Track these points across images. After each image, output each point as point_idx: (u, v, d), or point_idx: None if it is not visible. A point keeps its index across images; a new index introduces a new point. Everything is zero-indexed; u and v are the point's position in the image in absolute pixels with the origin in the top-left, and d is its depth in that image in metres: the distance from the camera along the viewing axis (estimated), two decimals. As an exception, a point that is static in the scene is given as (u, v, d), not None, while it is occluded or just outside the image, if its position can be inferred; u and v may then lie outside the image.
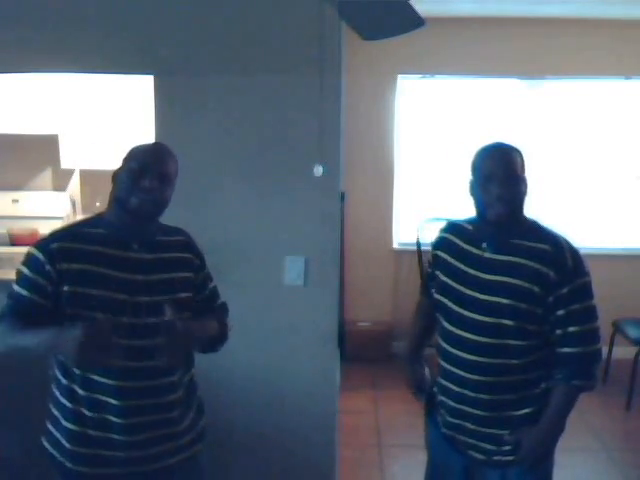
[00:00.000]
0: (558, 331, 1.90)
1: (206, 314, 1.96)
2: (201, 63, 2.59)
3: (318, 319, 2.72)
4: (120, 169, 1.82)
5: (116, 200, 1.81)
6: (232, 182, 2.66)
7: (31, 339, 1.71)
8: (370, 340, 5.01)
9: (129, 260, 1.80)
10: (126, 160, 1.82)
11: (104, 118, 3.77)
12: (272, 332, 2.73)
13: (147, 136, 2.56)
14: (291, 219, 2.67)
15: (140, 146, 1.84)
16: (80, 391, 1.78)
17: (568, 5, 4.36)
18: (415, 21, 1.95)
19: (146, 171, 1.76)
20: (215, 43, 2.58)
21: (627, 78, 4.94)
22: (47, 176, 4.22)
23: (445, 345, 2.03)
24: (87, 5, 2.55)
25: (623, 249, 5.13)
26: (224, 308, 2.07)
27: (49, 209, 4.01)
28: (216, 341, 1.98)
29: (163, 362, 1.71)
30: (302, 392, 2.78)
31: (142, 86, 2.80)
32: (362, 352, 4.87)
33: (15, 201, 4.06)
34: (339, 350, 2.86)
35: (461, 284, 1.99)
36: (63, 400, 1.82)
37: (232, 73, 2.59)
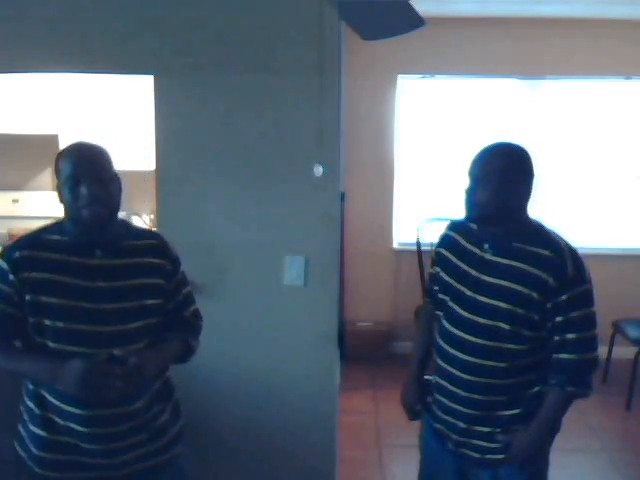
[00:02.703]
0: (556, 337, 1.89)
1: (171, 331, 1.91)
2: (201, 63, 2.59)
3: (318, 319, 2.71)
4: (58, 182, 1.76)
5: (69, 217, 1.77)
6: (232, 182, 2.66)
7: (18, 364, 1.74)
8: (370, 340, 5.01)
9: (91, 267, 1.76)
10: (57, 171, 1.76)
11: (104, 118, 3.77)
12: (272, 332, 2.73)
13: (147, 136, 2.56)
14: (291, 219, 2.67)
15: (63, 153, 1.77)
16: (49, 397, 1.76)
17: (568, 5, 4.36)
18: (415, 21, 1.96)
19: (80, 179, 1.71)
20: (215, 43, 2.58)
21: (627, 78, 4.94)
22: (47, 176, 4.22)
23: (442, 343, 2.04)
24: (87, 5, 2.55)
25: (623, 249, 5.13)
26: (195, 316, 1.99)
27: (49, 209, 4.01)
28: (178, 360, 1.93)
29: (119, 386, 1.67)
30: (302, 392, 2.78)
31: (142, 86, 2.80)
32: (362, 352, 4.87)
33: (15, 201, 4.07)
34: (339, 350, 2.86)
35: (461, 284, 1.99)
36: (31, 405, 1.80)
37: (232, 73, 2.59)
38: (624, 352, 4.41)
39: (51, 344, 1.72)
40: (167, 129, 2.63)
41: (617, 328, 4.50)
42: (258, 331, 2.72)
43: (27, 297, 1.71)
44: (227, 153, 2.65)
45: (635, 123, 5.00)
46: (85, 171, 1.71)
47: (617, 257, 5.06)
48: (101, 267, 1.77)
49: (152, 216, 4.08)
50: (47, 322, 1.71)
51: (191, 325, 1.97)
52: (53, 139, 3.88)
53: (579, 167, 5.07)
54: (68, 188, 1.72)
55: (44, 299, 1.71)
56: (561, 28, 4.71)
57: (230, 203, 2.68)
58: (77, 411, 1.73)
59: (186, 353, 1.94)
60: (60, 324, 1.71)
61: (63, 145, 3.88)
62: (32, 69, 2.71)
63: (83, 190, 1.70)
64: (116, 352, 1.68)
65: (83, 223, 1.74)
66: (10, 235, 3.92)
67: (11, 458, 2.39)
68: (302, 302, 2.70)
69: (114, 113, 3.75)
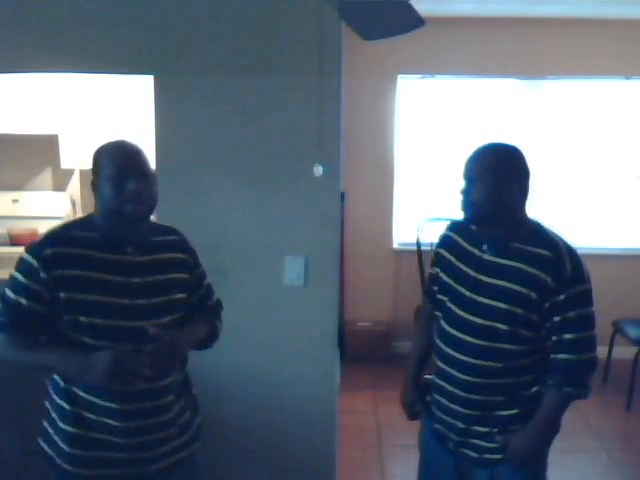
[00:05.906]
0: (553, 337, 1.89)
1: (198, 315, 1.96)
2: (201, 63, 2.59)
3: (318, 319, 2.72)
4: (96, 178, 1.76)
5: (107, 211, 1.76)
6: (232, 182, 2.66)
7: (45, 358, 1.73)
8: (370, 340, 5.01)
9: (124, 263, 1.78)
10: (98, 167, 1.75)
11: (104, 118, 3.77)
12: (272, 332, 2.73)
13: (147, 136, 2.56)
14: (291, 219, 2.67)
15: (106, 149, 1.78)
16: (81, 394, 1.77)
17: (568, 5, 4.36)
18: (415, 21, 1.95)
19: (127, 175, 1.72)
20: (215, 43, 2.58)
21: (627, 78, 4.94)
22: (47, 176, 4.22)
23: (440, 344, 2.04)
24: (87, 5, 2.55)
25: (623, 249, 5.13)
26: (218, 305, 2.06)
27: (49, 209, 4.01)
28: (206, 342, 1.98)
29: (147, 374, 1.70)
30: (302, 392, 2.78)
31: (142, 86, 2.80)
32: (362, 352, 4.87)
33: (15, 201, 4.06)
34: (339, 350, 2.86)
35: (460, 285, 2.00)
36: (61, 402, 1.81)
37: (232, 73, 2.59)
38: (624, 352, 4.41)
39: (89, 340, 1.72)
40: (167, 129, 2.63)
41: (617, 328, 4.50)
42: (258, 331, 2.72)
43: (62, 294, 1.70)
44: (227, 153, 2.65)
45: (635, 123, 5.00)
46: (132, 168, 1.73)
47: (617, 257, 5.06)
48: (133, 264, 1.79)
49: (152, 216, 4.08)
50: (83, 319, 1.71)
51: (214, 313, 2.03)
52: (53, 139, 3.88)
53: (579, 167, 5.07)
54: (112, 183, 1.72)
55: (80, 296, 1.71)
56: (561, 28, 4.71)
57: (230, 203, 2.68)
58: (112, 405, 1.75)
59: (211, 335, 1.99)
60: (98, 321, 1.72)
61: (63, 145, 3.91)
62: (32, 69, 2.71)
63: (130, 186, 1.71)
64: (150, 330, 1.70)
65: (124, 218, 1.75)
66: (10, 235, 3.92)
67: (14, 455, 2.38)
68: (302, 302, 2.70)
69: (114, 113, 3.74)
